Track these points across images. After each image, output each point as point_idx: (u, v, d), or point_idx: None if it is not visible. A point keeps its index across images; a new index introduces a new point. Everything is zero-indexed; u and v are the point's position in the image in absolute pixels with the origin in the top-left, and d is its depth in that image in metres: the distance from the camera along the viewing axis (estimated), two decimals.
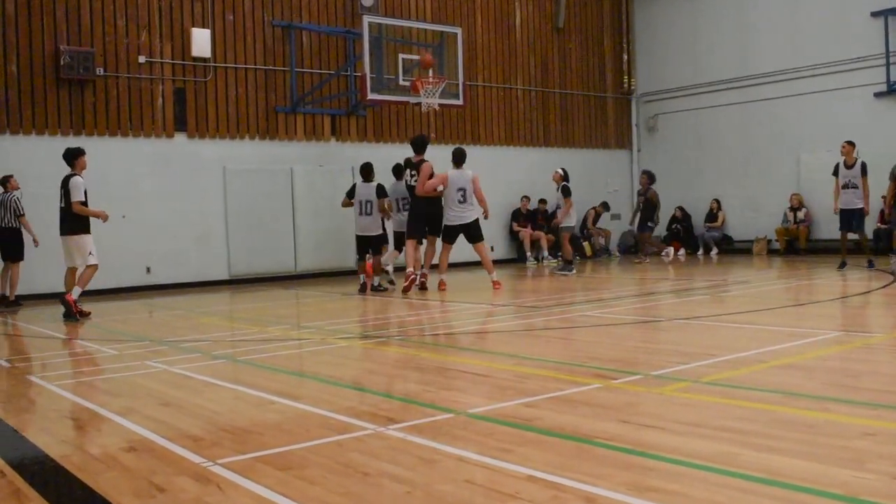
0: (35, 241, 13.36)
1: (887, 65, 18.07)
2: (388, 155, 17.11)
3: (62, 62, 14.76)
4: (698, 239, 20.98)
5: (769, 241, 19.91)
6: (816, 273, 14.27)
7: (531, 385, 5.72)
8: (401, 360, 7.26)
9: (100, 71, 15.25)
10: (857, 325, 8.67)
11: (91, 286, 11.67)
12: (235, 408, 5.43)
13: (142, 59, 15.75)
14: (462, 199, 13.25)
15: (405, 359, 7.31)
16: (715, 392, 5.21)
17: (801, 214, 19.23)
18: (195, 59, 16.28)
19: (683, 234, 21.09)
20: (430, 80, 15.54)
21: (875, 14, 18.26)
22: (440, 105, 15.94)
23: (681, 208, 21.25)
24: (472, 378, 6.11)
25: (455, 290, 13.44)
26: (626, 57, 23.10)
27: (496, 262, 15.93)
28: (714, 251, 20.40)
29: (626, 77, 23.10)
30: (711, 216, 20.85)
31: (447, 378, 6.17)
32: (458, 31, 16.86)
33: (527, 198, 20.42)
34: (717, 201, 20.81)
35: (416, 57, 16.35)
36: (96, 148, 14.83)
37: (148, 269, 15.71)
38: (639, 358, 6.70)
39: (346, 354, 7.76)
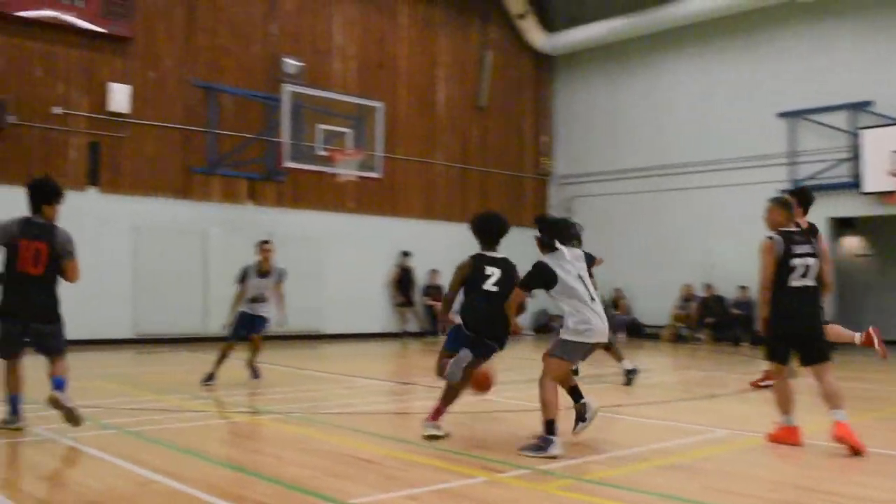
0: None
1: (791, 163, 18.93)
2: (306, 220, 17.12)
3: None
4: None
5: (677, 328, 20.40)
6: (719, 363, 14.63)
7: (417, 475, 5.73)
8: (293, 441, 7.18)
9: (12, 119, 15.00)
10: (745, 422, 8.90)
11: None
12: (114, 486, 5.31)
13: (57, 110, 15.55)
14: None
15: (297, 439, 7.24)
16: (595, 492, 5.30)
17: (693, 304, 19.91)
18: (112, 113, 16.14)
19: None
20: (348, 151, 15.70)
21: (781, 115, 19.16)
22: (358, 176, 16.07)
23: None
24: (360, 464, 6.09)
25: (374, 362, 13.40)
26: (545, 139, 23.65)
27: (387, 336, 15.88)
28: (622, 335, 20.75)
29: (544, 158, 23.62)
30: (614, 303, 21.27)
31: (336, 463, 6.13)
32: (379, 104, 17.11)
33: (435, 271, 20.51)
34: (619, 289, 21.23)
35: (335, 128, 16.49)
36: (4, 197, 14.50)
37: None
38: None
39: (239, 432, 7.65)
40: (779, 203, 7.24)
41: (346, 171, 15.63)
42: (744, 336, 18.63)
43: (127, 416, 8.12)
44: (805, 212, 9.24)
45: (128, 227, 16.26)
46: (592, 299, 6.66)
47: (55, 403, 6.94)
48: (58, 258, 7.34)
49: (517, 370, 12.65)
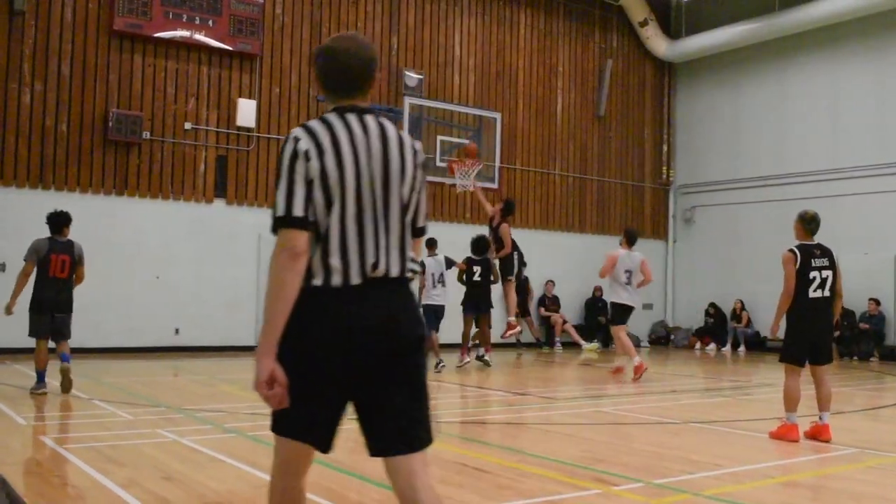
0: None
1: None
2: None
3: (110, 124, 15.23)
4: (728, 334, 20.80)
5: None
6: (846, 379, 14.06)
7: (530, 485, 5.71)
8: None
9: (146, 135, 15.70)
10: (875, 440, 8.52)
11: (120, 344, 11.86)
12: (235, 488, 5.48)
13: (188, 125, 16.20)
14: (628, 281, 13.20)
15: None
16: None
17: None
18: (239, 128, 16.70)
19: (715, 329, 20.95)
20: (467, 162, 15.79)
21: None
22: (475, 187, 16.13)
23: (713, 304, 21.15)
24: (472, 473, 6.10)
25: (486, 373, 13.44)
26: (665, 148, 23.27)
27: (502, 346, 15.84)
28: (741, 348, 20.20)
29: (664, 168, 23.23)
30: (735, 316, 20.68)
31: (447, 471, 6.17)
32: (498, 115, 17.17)
33: (551, 282, 20.40)
34: (742, 301, 20.61)
35: (454, 139, 16.63)
36: (137, 209, 15.28)
37: (177, 331, 15.90)
38: (645, 463, 6.64)
39: (353, 438, 7.77)
40: (801, 219, 8.13)
41: (465, 181, 15.70)
42: (873, 351, 17.84)
43: (247, 421, 8.37)
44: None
45: (253, 237, 16.76)
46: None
47: (66, 372, 9.56)
48: (74, 265, 9.96)
49: (633, 383, 12.46)
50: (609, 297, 13.93)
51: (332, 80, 3.12)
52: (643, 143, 23.05)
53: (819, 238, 8.32)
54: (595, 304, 20.93)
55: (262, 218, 16.92)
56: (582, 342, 19.77)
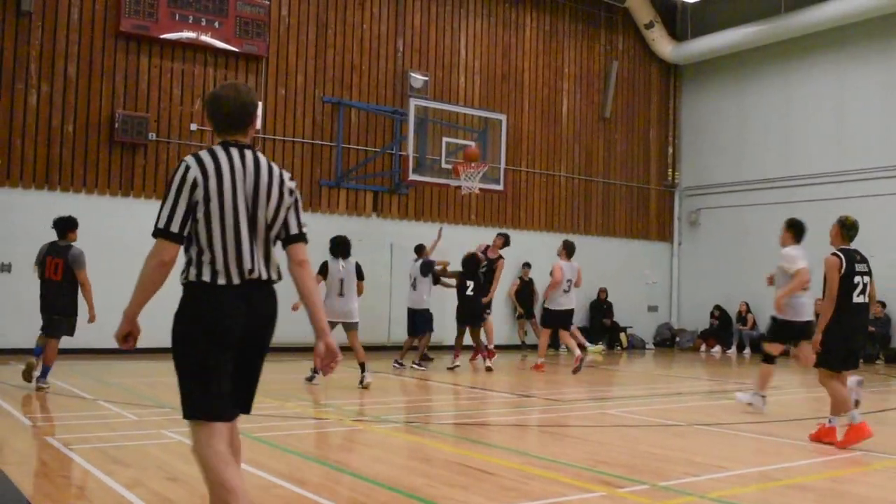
0: None
1: None
2: (427, 233, 17.30)
3: (117, 125, 15.27)
4: (733, 336, 20.78)
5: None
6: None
7: (535, 488, 5.71)
8: (410, 449, 7.27)
9: (152, 136, 15.73)
10: (882, 443, 8.49)
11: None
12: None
13: (193, 126, 16.23)
14: (568, 288, 14.34)
15: (415, 448, 7.32)
16: None
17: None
18: None
19: (720, 331, 20.94)
20: (471, 164, 15.78)
21: None
22: (480, 189, 16.14)
23: (718, 306, 21.12)
24: (478, 475, 6.10)
25: (490, 375, 13.45)
26: (671, 150, 23.26)
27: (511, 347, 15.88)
28: (746, 350, 20.17)
29: (670, 170, 23.22)
30: (741, 318, 20.65)
31: (453, 473, 6.17)
32: (503, 117, 17.17)
33: None
34: (747, 304, 20.57)
35: (460, 141, 16.63)
36: (143, 210, 15.27)
37: None
38: (649, 465, 6.64)
39: (359, 439, 7.79)
40: (841, 225, 7.91)
41: (470, 183, 15.70)
42: (879, 354, 17.80)
43: (252, 422, 8.37)
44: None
45: None
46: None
47: (29, 366, 10.12)
48: (69, 269, 9.98)
49: (638, 385, 12.45)
50: (550, 305, 14.61)
51: (218, 122, 3.86)
52: (648, 145, 23.04)
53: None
54: (600, 307, 20.92)
55: None
56: (586, 344, 19.72)
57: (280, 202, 3.84)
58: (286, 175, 3.92)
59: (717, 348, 20.56)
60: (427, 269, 14.47)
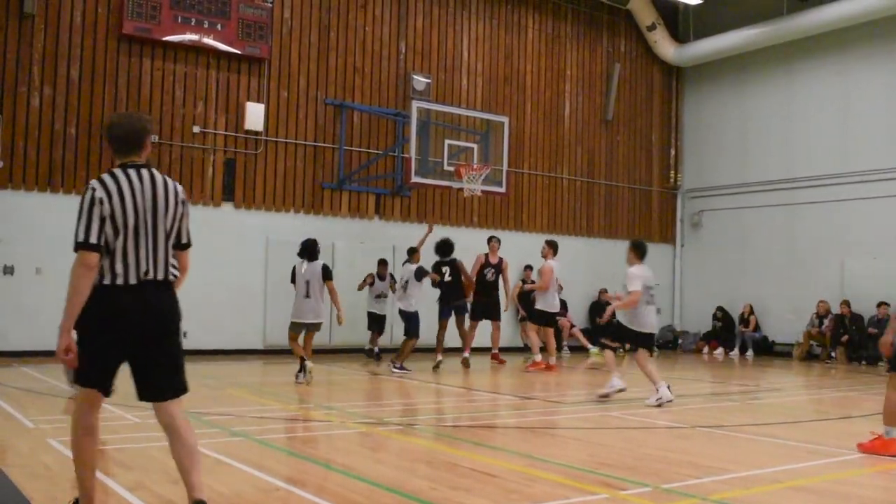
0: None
1: None
2: (431, 235, 17.27)
3: None
4: (736, 338, 20.75)
5: (810, 346, 19.63)
6: (854, 383, 14.03)
7: (537, 490, 5.70)
8: (414, 452, 7.26)
9: (154, 138, 15.74)
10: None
11: None
12: (241, 491, 5.48)
13: (196, 129, 16.24)
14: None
15: (419, 450, 7.31)
16: None
17: (826, 321, 19.04)
18: (247, 131, 16.74)
19: (722, 333, 20.92)
20: (474, 166, 15.78)
21: None
22: (483, 191, 16.13)
23: (721, 308, 21.11)
24: (481, 477, 6.09)
25: (492, 376, 13.44)
26: (673, 152, 23.25)
27: (513, 350, 15.90)
28: (749, 352, 20.15)
29: (672, 172, 23.21)
30: (743, 320, 20.62)
31: (456, 475, 6.16)
32: (505, 119, 17.16)
33: (559, 286, 20.34)
34: (750, 306, 20.56)
35: (462, 143, 16.65)
36: None
37: (185, 334, 15.83)
38: (652, 467, 6.62)
39: (361, 442, 7.78)
40: None
41: (472, 185, 15.70)
42: (881, 356, 17.77)
43: (255, 425, 8.37)
44: None
45: (261, 240, 16.80)
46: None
47: None
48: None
49: (640, 387, 12.42)
50: (544, 307, 14.85)
51: (115, 146, 4.44)
52: (651, 147, 23.03)
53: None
54: (602, 309, 20.84)
55: (270, 221, 16.97)
56: (589, 346, 19.70)
57: (176, 211, 4.44)
58: (179, 188, 4.50)
59: (720, 350, 20.54)
60: (422, 275, 14.35)
